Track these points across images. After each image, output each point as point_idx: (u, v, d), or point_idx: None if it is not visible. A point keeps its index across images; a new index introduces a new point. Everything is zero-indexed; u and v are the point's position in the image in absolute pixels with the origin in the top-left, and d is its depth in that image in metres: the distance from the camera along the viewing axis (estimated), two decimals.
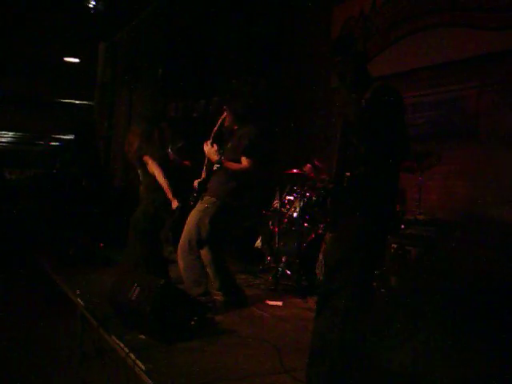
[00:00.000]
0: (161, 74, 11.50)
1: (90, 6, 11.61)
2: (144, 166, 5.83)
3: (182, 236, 5.12)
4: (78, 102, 18.31)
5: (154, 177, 5.72)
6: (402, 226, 4.81)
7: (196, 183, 5.27)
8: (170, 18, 11.43)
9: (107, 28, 13.09)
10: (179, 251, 5.10)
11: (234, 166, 5.08)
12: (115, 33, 13.55)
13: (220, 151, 5.11)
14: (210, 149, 5.10)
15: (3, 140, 18.12)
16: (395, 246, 4.79)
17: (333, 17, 7.73)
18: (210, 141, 5.14)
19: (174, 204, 5.62)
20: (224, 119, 5.24)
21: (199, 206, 5.15)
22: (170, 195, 5.65)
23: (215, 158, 5.07)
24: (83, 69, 15.24)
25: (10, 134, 18.38)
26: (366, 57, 3.45)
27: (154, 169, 5.73)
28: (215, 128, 5.22)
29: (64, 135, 17.90)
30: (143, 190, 5.94)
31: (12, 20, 11.83)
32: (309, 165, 6.38)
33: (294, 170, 6.40)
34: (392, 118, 3.08)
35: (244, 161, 5.06)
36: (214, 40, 10.04)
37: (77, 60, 15.07)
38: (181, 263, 5.09)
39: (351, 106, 3.11)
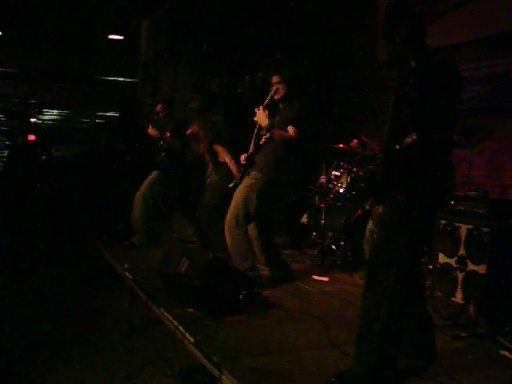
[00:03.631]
0: (205, 50, 11.49)
1: None
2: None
3: (229, 211, 5.13)
4: (121, 79, 18.41)
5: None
6: (452, 202, 4.70)
7: (243, 158, 5.27)
8: None
9: (150, 4, 13.08)
10: (226, 226, 5.12)
11: (281, 133, 5.07)
12: (158, 9, 13.54)
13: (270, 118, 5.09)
14: (261, 112, 5.05)
15: (49, 118, 18.41)
16: (444, 222, 4.69)
17: None
18: (263, 106, 5.11)
19: None
20: (276, 91, 5.21)
21: (246, 181, 5.16)
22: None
23: (266, 122, 5.04)
24: (127, 46, 15.30)
25: (56, 111, 18.63)
26: (423, 23, 3.37)
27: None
28: (267, 98, 5.19)
29: (108, 112, 18.05)
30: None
31: None
32: (356, 140, 6.30)
33: (341, 145, 6.33)
34: (448, 93, 3.01)
35: (290, 130, 5.06)
36: (257, 15, 9.95)
37: (121, 37, 15.13)
38: (228, 238, 5.11)
39: (406, 78, 3.04)
